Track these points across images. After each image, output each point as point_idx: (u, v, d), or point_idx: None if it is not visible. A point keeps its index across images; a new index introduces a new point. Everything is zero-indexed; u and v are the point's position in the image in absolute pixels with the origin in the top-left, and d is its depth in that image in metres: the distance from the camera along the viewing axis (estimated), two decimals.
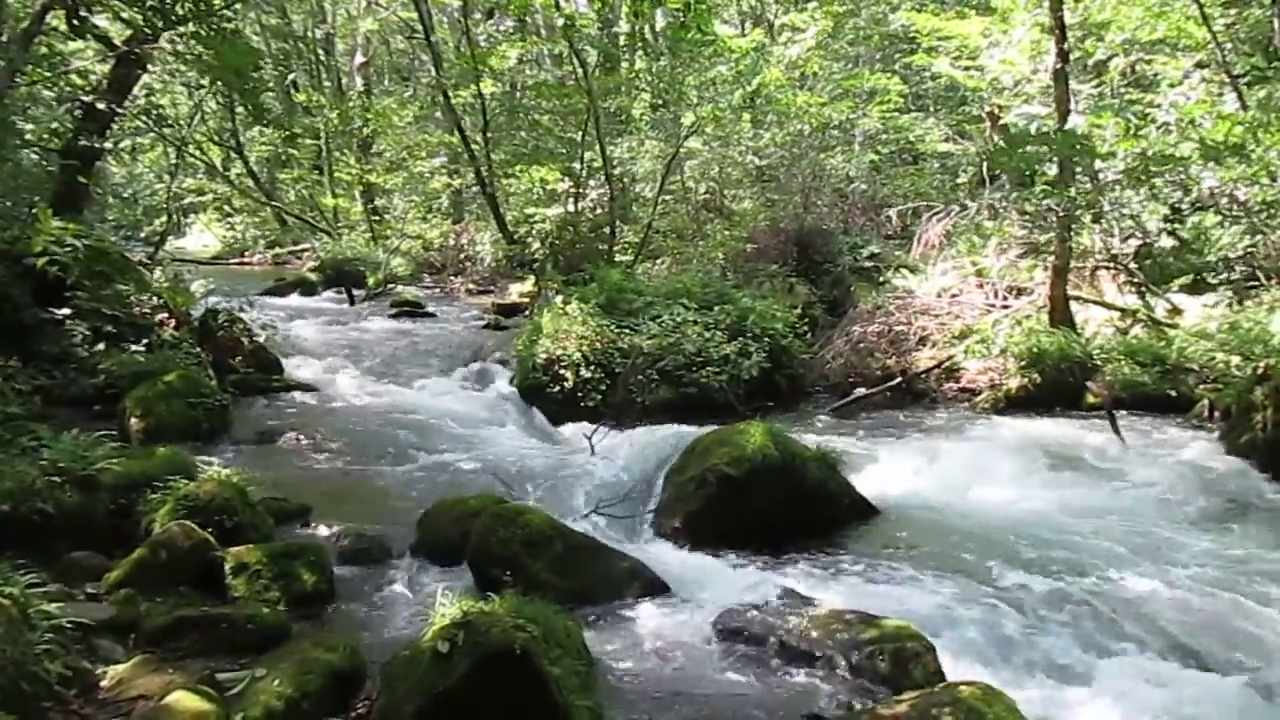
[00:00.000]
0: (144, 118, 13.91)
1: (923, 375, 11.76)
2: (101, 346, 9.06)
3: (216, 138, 25.46)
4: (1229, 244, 12.21)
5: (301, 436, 8.79)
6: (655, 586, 5.81)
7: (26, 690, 3.74)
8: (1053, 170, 11.54)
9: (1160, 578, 5.99)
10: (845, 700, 4.51)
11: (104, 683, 4.16)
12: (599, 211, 18.65)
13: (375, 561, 6.03)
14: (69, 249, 9.30)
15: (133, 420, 8.10)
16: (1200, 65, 13.54)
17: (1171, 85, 13.03)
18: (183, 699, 3.76)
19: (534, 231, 18.87)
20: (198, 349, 9.95)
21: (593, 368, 10.55)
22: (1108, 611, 5.54)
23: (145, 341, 9.35)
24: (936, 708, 3.71)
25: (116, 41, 11.12)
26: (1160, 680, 4.82)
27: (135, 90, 12.48)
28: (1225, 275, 12.33)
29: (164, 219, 16.62)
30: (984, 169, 16.66)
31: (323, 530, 6.49)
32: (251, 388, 10.19)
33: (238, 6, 13.53)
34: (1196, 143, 9.77)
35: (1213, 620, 5.50)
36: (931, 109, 19.98)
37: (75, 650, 4.22)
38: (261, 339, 11.24)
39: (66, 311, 9.18)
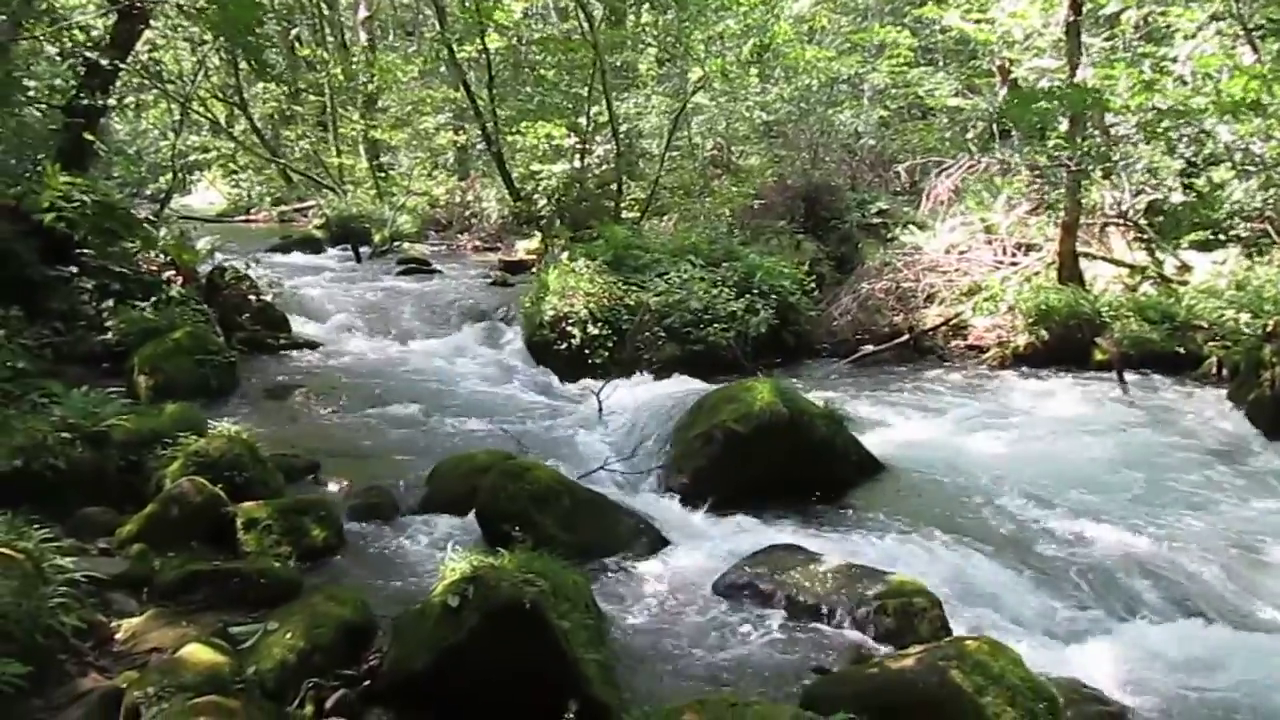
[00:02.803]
0: (147, 74, 13.80)
1: (930, 332, 11.74)
2: (109, 304, 9.07)
3: (220, 94, 25.28)
4: (1243, 199, 12.08)
5: (309, 393, 8.81)
6: (662, 542, 5.86)
7: (42, 642, 3.79)
8: (1064, 124, 11.42)
9: (1166, 534, 6.02)
10: (852, 655, 4.55)
11: (118, 635, 4.21)
12: (605, 168, 18.51)
13: (385, 517, 6.05)
14: (76, 205, 9.28)
15: (141, 377, 8.13)
16: (1215, 17, 13.32)
17: (1187, 37, 12.83)
18: (196, 651, 3.80)
19: (540, 188, 18.75)
20: (205, 306, 9.95)
21: (600, 325, 10.54)
22: (1113, 567, 5.58)
23: (153, 299, 9.35)
24: (943, 661, 3.74)
25: None
26: (1165, 635, 4.86)
27: (138, 46, 12.37)
28: (1236, 232, 12.23)
29: (169, 176, 16.52)
30: (994, 124, 16.52)
31: (332, 486, 6.53)
32: (259, 345, 10.21)
33: None
34: (1212, 96, 9.64)
35: (1218, 575, 5.53)
36: (941, 63, 19.73)
37: (89, 604, 4.27)
38: (268, 296, 11.24)
39: (74, 269, 9.18)
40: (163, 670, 3.68)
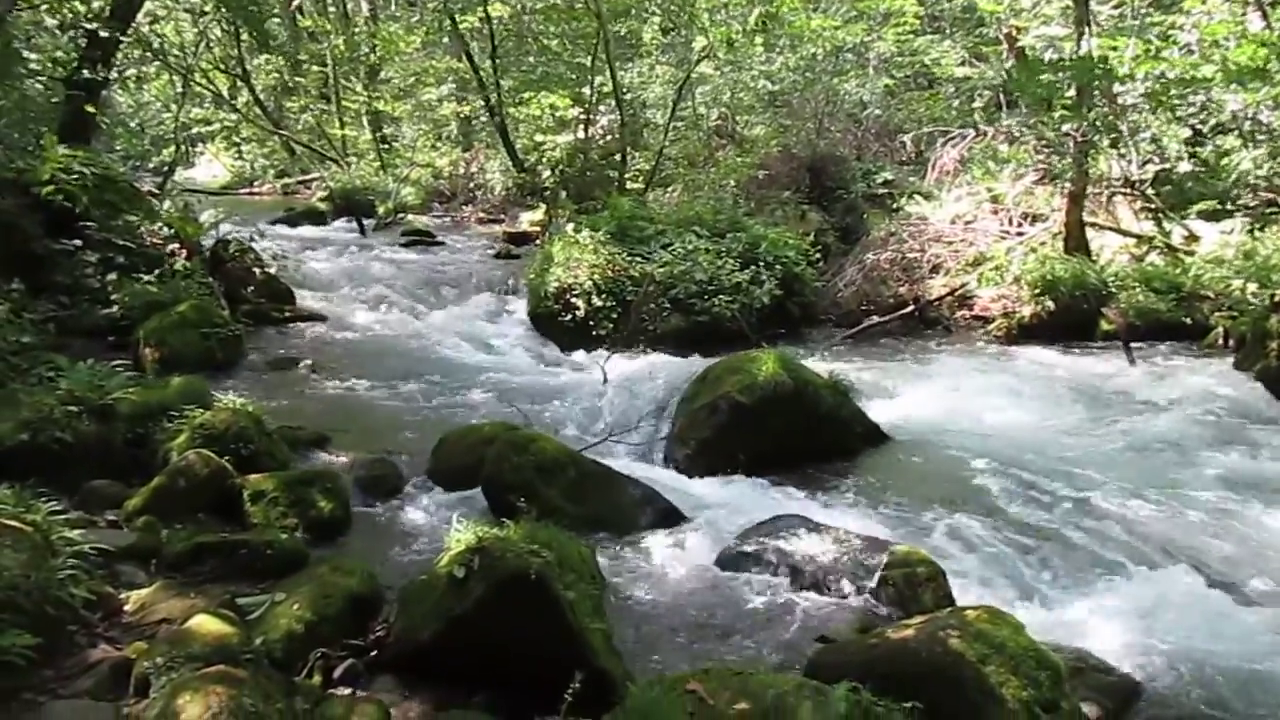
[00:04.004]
0: (148, 46, 13.72)
1: (935, 303, 11.72)
2: (113, 277, 9.07)
3: (222, 66, 25.13)
4: (1250, 168, 12.00)
5: (315, 366, 8.83)
6: (667, 513, 5.86)
7: (52, 614, 3.81)
8: (1071, 93, 11.32)
9: (1169, 503, 6.03)
10: (856, 624, 4.57)
11: (127, 607, 4.24)
12: (610, 138, 18.42)
13: (391, 488, 6.08)
14: (76, 178, 9.26)
15: (147, 350, 8.15)
16: None
17: (1201, 1, 12.69)
18: (205, 622, 3.82)
19: (544, 159, 18.66)
20: (209, 279, 9.96)
21: (604, 296, 10.54)
22: (1117, 536, 5.59)
23: (157, 272, 9.35)
24: (945, 630, 3.75)
25: None
26: (1169, 602, 4.87)
27: (138, 17, 12.30)
28: (1244, 201, 12.15)
29: (172, 149, 16.48)
30: (1001, 93, 16.39)
31: (338, 458, 6.54)
32: (264, 318, 10.22)
33: None
34: (1219, 64, 9.55)
35: (1225, 544, 5.55)
36: (948, 31, 19.55)
37: (98, 575, 4.29)
38: (273, 269, 11.24)
39: (78, 242, 9.16)
40: (171, 641, 3.71)
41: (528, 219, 18.18)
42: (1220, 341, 10.22)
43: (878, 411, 7.55)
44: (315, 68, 26.96)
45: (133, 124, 16.99)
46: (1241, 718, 3.98)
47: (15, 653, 3.50)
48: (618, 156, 17.01)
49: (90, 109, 10.67)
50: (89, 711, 3.44)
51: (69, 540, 4.24)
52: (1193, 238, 12.16)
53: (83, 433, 5.70)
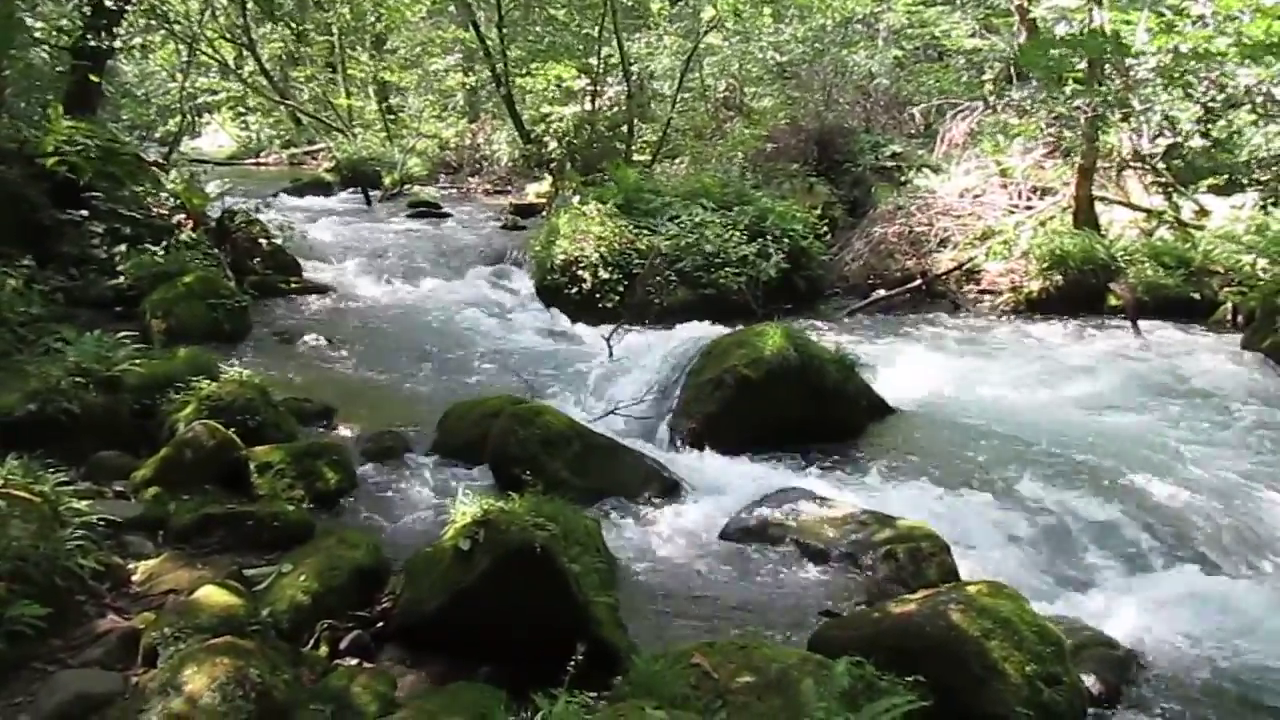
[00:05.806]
0: (153, 14, 13.65)
1: (943, 277, 11.67)
2: (121, 248, 9.07)
3: (228, 35, 24.96)
4: (1263, 144, 11.90)
5: (321, 337, 8.83)
6: (672, 486, 5.89)
7: (61, 584, 3.84)
8: (1082, 67, 11.21)
9: (1175, 481, 6.00)
10: (860, 598, 4.58)
11: (135, 577, 4.26)
12: (616, 110, 18.32)
13: (397, 461, 6.09)
14: (79, 149, 9.23)
15: (154, 321, 8.16)
16: None
17: None
18: (212, 593, 3.84)
19: (551, 130, 18.57)
20: (216, 250, 9.94)
21: (610, 268, 10.52)
22: (1124, 514, 5.57)
23: (163, 243, 9.34)
24: (948, 605, 3.77)
25: None
26: (1174, 581, 4.89)
27: None
28: (1255, 176, 12.06)
29: (178, 119, 16.42)
30: (1011, 66, 16.24)
31: (344, 430, 6.57)
32: (270, 289, 10.21)
33: None
34: (1233, 38, 9.45)
35: (1231, 524, 5.53)
36: (958, 2, 19.35)
37: (106, 546, 4.32)
38: (279, 240, 11.21)
39: (84, 213, 9.16)
40: (179, 611, 3.73)
41: (534, 190, 18.13)
42: (1229, 318, 10.18)
43: (884, 385, 7.53)
44: (321, 37, 26.79)
45: (138, 93, 16.93)
46: (1243, 694, 3.99)
47: (24, 622, 3.53)
48: (625, 128, 16.93)
49: (95, 78, 10.63)
50: (97, 680, 3.47)
51: (77, 511, 4.27)
52: (1202, 213, 12.08)
53: (90, 404, 5.71)
